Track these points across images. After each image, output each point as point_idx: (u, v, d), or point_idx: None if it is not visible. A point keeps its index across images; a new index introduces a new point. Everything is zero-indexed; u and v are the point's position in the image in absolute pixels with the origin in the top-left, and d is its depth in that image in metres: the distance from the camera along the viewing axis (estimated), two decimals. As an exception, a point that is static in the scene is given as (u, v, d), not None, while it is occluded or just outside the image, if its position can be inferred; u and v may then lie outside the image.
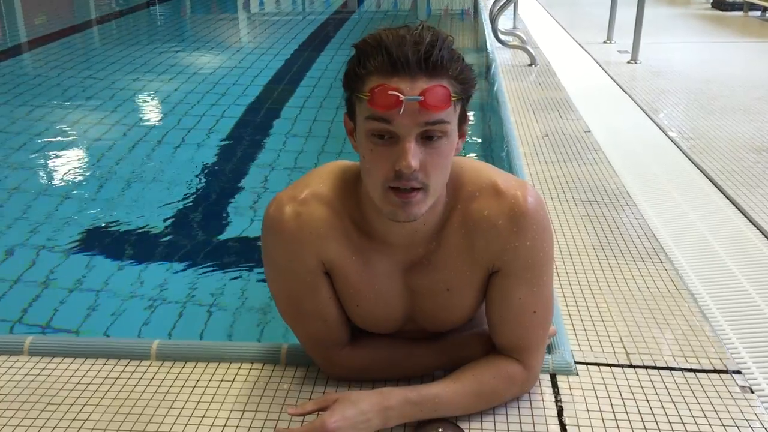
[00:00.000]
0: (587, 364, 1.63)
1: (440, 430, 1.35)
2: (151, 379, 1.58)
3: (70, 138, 4.62)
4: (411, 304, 1.41)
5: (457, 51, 1.19)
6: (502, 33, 5.66)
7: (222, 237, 3.20)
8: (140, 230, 3.22)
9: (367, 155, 1.20)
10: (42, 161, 4.24)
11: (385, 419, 1.32)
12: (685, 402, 1.49)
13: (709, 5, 8.99)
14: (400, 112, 1.13)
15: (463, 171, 1.36)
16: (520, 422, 1.41)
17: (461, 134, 1.26)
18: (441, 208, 1.33)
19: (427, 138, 1.17)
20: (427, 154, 1.18)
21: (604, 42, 6.27)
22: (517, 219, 1.30)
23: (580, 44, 6.25)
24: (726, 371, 1.59)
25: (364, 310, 1.41)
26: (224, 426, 1.42)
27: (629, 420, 1.43)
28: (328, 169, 1.39)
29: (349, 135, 1.29)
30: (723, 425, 1.42)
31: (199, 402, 1.49)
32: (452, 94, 1.16)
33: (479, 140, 4.31)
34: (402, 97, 1.13)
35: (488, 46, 5.89)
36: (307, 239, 1.32)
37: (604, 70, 5.20)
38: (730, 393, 1.52)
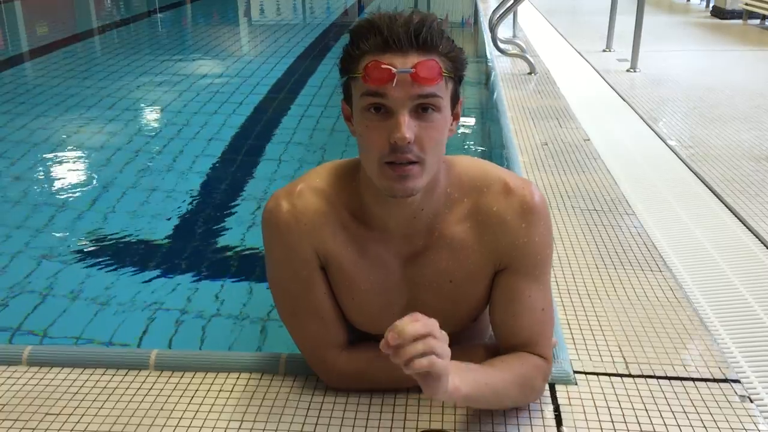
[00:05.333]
0: (586, 373, 1.63)
1: None
2: (150, 389, 1.57)
3: (70, 147, 4.63)
4: (412, 297, 1.41)
5: (446, 33, 1.24)
6: (502, 41, 5.68)
7: (222, 246, 3.20)
8: (140, 239, 3.22)
9: (364, 132, 1.24)
10: (42, 170, 4.25)
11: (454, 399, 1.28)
12: (684, 411, 1.48)
13: (709, 13, 9.03)
14: (393, 85, 1.17)
15: (469, 166, 1.39)
16: (519, 432, 1.41)
17: (455, 116, 1.29)
18: (442, 197, 1.35)
19: (421, 111, 1.20)
20: (422, 128, 1.21)
21: (604, 50, 6.29)
22: (526, 215, 1.34)
23: (579, 53, 6.27)
24: (725, 380, 1.59)
25: (360, 303, 1.41)
26: (222, 436, 1.42)
27: (628, 430, 1.43)
28: (324, 166, 1.43)
29: (347, 121, 1.32)
30: (722, 435, 1.42)
31: (197, 412, 1.49)
32: (443, 70, 1.20)
33: (479, 148, 4.31)
34: (394, 70, 1.17)
35: (488, 55, 5.91)
36: (302, 230, 1.35)
37: (603, 78, 5.21)
38: (729, 402, 1.52)
